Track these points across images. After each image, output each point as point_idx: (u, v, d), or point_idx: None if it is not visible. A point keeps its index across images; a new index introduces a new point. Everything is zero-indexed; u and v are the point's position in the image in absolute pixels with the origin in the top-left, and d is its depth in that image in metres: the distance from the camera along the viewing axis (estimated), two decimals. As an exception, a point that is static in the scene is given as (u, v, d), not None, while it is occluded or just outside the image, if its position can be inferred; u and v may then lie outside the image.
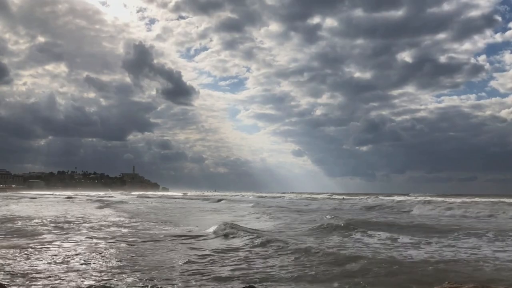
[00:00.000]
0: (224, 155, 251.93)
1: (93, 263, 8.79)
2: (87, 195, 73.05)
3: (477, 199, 44.18)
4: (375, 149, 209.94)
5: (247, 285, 6.80)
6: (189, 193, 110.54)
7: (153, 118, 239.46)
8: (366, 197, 55.60)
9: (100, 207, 32.51)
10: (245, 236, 13.13)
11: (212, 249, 11.00)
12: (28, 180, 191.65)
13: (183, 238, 13.41)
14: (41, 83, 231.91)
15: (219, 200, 51.38)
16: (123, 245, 11.55)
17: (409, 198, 51.84)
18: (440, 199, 50.89)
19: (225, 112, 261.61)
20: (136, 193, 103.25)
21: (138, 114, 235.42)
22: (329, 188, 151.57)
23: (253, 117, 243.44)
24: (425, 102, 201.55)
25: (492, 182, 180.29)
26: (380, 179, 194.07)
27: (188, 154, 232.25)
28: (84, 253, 10.02)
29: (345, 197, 63.13)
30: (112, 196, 69.89)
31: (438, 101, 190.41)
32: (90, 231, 14.79)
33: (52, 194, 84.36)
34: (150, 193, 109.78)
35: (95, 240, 12.29)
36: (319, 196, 65.82)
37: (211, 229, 15.29)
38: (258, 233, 13.71)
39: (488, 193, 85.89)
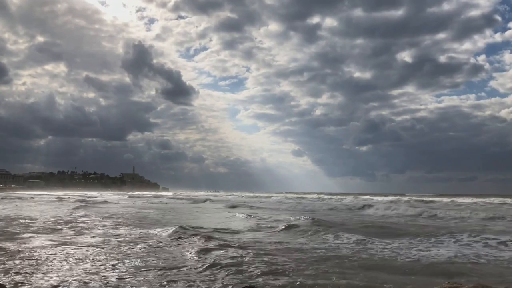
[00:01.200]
0: (224, 155, 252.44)
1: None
2: (78, 195, 73.20)
3: (459, 199, 44.41)
4: (375, 149, 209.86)
5: (247, 285, 6.79)
6: (182, 193, 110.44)
7: (152, 118, 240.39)
8: (352, 197, 55.88)
9: (77, 208, 32.40)
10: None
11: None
12: (28, 180, 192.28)
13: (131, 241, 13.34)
14: (41, 83, 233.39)
15: (205, 201, 51.27)
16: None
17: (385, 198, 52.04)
18: (430, 198, 51.62)
19: (225, 112, 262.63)
20: (132, 193, 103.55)
21: (137, 114, 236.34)
22: (329, 188, 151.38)
23: (253, 117, 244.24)
24: (425, 102, 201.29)
25: (492, 182, 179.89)
26: (380, 179, 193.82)
27: (188, 154, 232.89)
28: None
29: (339, 197, 64.10)
30: (103, 196, 70.18)
31: (438, 101, 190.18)
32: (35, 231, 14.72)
33: (46, 194, 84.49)
34: (146, 193, 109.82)
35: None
36: (309, 196, 66.00)
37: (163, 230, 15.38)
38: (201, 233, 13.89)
39: (488, 193, 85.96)
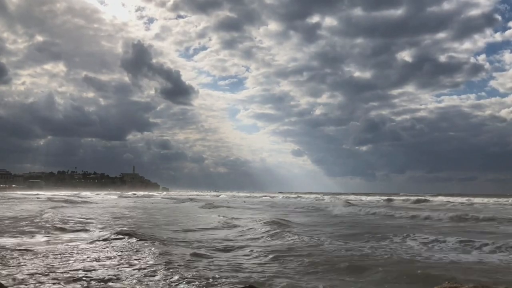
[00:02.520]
0: (224, 155, 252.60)
1: None
2: (70, 195, 73.63)
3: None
4: (375, 149, 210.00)
5: (247, 285, 6.82)
6: (175, 193, 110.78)
7: (152, 118, 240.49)
8: (329, 196, 56.06)
9: (49, 208, 32.53)
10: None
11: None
12: (28, 180, 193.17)
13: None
14: (40, 83, 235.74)
15: (187, 201, 51.37)
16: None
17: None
18: (413, 198, 51.97)
19: (225, 112, 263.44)
20: (123, 193, 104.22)
21: (137, 113, 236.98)
22: (329, 188, 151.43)
23: (252, 117, 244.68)
24: (425, 101, 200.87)
25: (492, 182, 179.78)
26: (380, 179, 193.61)
27: (188, 154, 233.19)
28: None
29: (330, 196, 65.26)
30: (96, 196, 70.88)
31: (438, 100, 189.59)
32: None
33: (42, 194, 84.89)
34: (140, 193, 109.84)
35: None
36: (292, 196, 66.71)
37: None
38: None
39: (488, 193, 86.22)
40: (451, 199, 46.82)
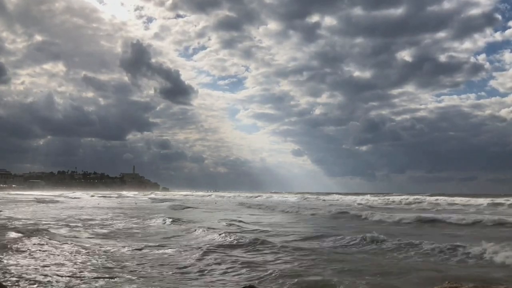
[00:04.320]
0: (223, 155, 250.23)
1: None
2: (56, 195, 73.14)
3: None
4: (375, 148, 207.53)
5: (247, 285, 6.77)
6: (168, 194, 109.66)
7: (152, 118, 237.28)
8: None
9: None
10: None
11: None
12: (28, 180, 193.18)
13: None
14: (39, 83, 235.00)
15: (164, 201, 50.34)
16: None
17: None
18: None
19: (225, 112, 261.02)
20: (108, 192, 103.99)
21: (137, 113, 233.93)
22: (329, 188, 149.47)
23: (252, 117, 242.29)
24: (425, 101, 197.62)
25: (492, 182, 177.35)
26: (380, 178, 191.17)
27: (187, 154, 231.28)
28: None
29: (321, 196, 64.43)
30: (85, 195, 70.61)
31: (438, 100, 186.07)
32: None
33: (30, 194, 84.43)
34: (130, 193, 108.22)
35: None
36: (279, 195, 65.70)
37: None
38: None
39: (488, 192, 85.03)
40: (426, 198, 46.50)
